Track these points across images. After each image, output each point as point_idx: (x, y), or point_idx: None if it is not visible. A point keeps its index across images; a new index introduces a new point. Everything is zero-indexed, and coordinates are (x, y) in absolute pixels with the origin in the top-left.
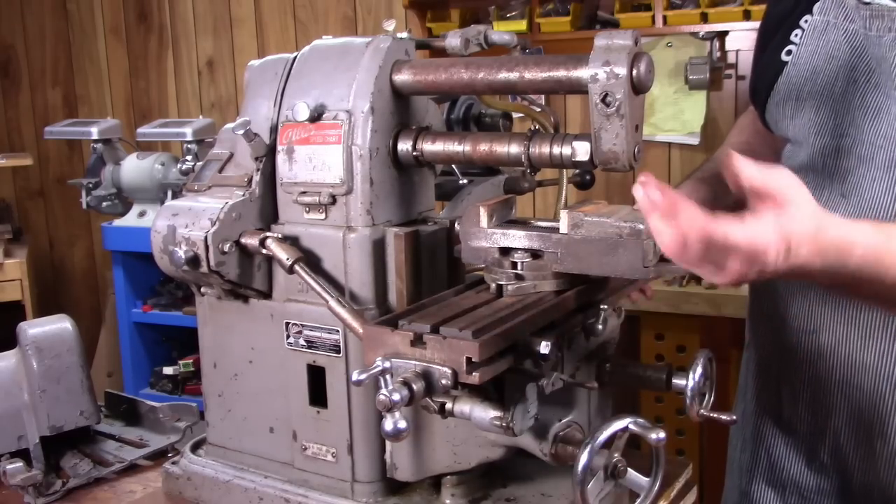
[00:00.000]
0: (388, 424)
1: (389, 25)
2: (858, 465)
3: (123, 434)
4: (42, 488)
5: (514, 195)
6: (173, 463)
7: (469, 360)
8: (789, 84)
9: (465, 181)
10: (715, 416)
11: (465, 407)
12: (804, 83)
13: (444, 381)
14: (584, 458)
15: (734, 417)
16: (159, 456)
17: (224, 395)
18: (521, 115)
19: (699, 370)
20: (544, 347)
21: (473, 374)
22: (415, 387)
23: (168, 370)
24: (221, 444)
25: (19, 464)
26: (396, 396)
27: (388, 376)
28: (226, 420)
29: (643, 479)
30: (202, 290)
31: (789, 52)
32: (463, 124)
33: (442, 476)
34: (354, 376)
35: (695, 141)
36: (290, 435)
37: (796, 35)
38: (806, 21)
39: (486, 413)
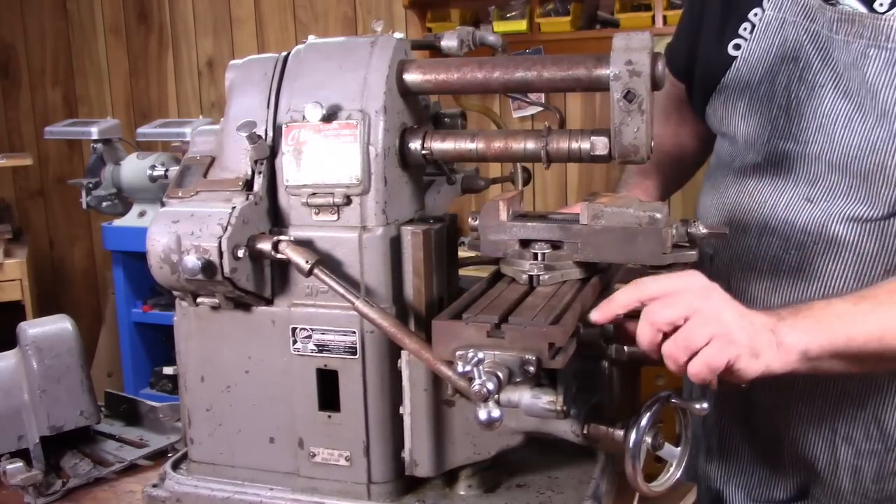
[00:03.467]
0: (482, 414)
1: (378, 26)
2: (822, 471)
3: (123, 434)
4: (42, 488)
5: (521, 190)
6: (154, 486)
7: (551, 345)
8: (740, 80)
9: (455, 179)
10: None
11: (514, 395)
12: (759, 82)
13: (528, 368)
14: (633, 436)
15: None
16: (159, 456)
17: (213, 409)
18: (530, 114)
19: None
20: (610, 329)
21: (556, 358)
22: (500, 375)
23: (168, 370)
24: (209, 461)
25: (19, 464)
26: (491, 385)
27: (481, 367)
28: (215, 435)
29: (675, 450)
30: (199, 300)
31: (738, 47)
32: None
33: (457, 470)
34: (459, 367)
35: None
36: (295, 443)
37: (745, 29)
38: (756, 15)
39: (538, 399)
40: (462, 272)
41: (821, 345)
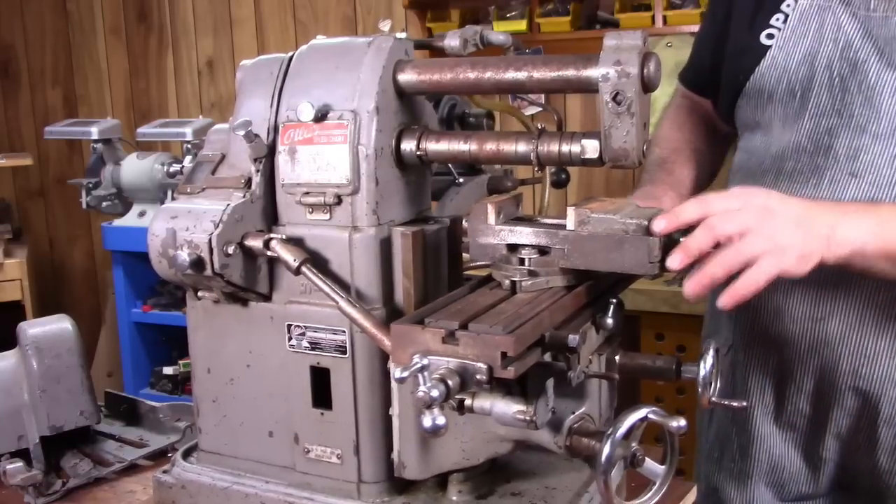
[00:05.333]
0: (426, 421)
1: (385, 26)
2: (858, 455)
3: (123, 434)
4: (42, 488)
5: (521, 193)
6: (164, 472)
7: (504, 354)
8: (776, 67)
9: (461, 180)
10: (726, 402)
11: (486, 403)
12: (797, 65)
13: (479, 377)
14: (606, 450)
15: (745, 403)
16: (159, 456)
17: (219, 401)
18: (530, 114)
19: (710, 360)
20: (572, 340)
21: (509, 368)
22: (450, 383)
23: (168, 370)
24: (215, 451)
25: (19, 464)
26: (435, 393)
27: (425, 373)
28: (220, 426)
29: (659, 468)
30: (199, 293)
31: (771, 36)
32: (447, 124)
33: (449, 473)
34: (396, 374)
35: None
36: (291, 438)
37: (777, 19)
38: (788, 6)
39: (508, 408)
40: (472, 274)
41: (877, 245)
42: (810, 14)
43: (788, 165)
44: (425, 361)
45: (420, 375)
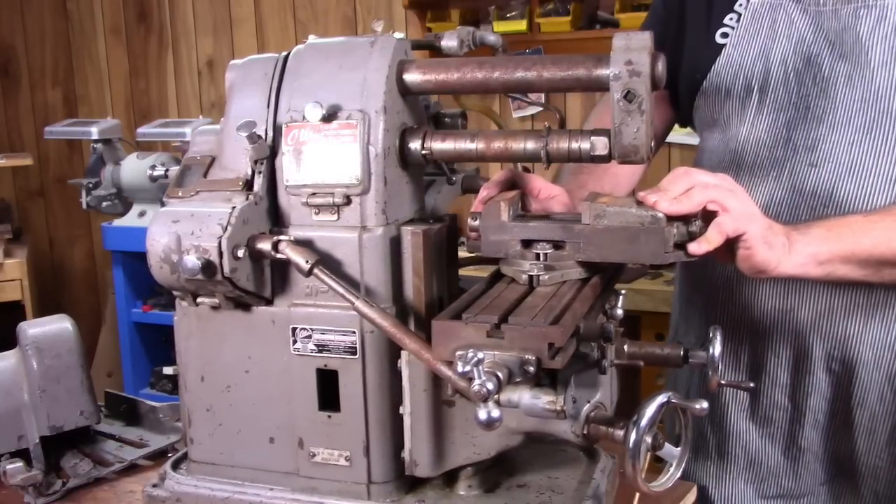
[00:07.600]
0: (482, 414)
1: (378, 26)
2: (835, 440)
3: (123, 434)
4: (42, 488)
5: (521, 191)
6: (154, 486)
7: (551, 345)
8: (732, 64)
9: (455, 179)
10: (735, 384)
11: (514, 395)
12: (753, 62)
13: (528, 368)
14: (633, 436)
15: (752, 385)
16: (159, 456)
17: (213, 409)
18: (530, 114)
19: (717, 344)
20: (609, 329)
21: (556, 358)
22: (500, 375)
23: (168, 370)
24: (209, 461)
25: (19, 464)
26: (490, 385)
27: (480, 367)
28: (215, 435)
29: (675, 450)
30: (198, 300)
31: (725, 35)
32: None
33: (457, 469)
34: (459, 367)
35: (695, 141)
36: (295, 443)
37: (731, 18)
38: (741, 5)
39: (537, 399)
40: (462, 272)
41: (830, 249)
42: (762, 13)
43: (747, 159)
44: (480, 355)
45: (476, 369)
